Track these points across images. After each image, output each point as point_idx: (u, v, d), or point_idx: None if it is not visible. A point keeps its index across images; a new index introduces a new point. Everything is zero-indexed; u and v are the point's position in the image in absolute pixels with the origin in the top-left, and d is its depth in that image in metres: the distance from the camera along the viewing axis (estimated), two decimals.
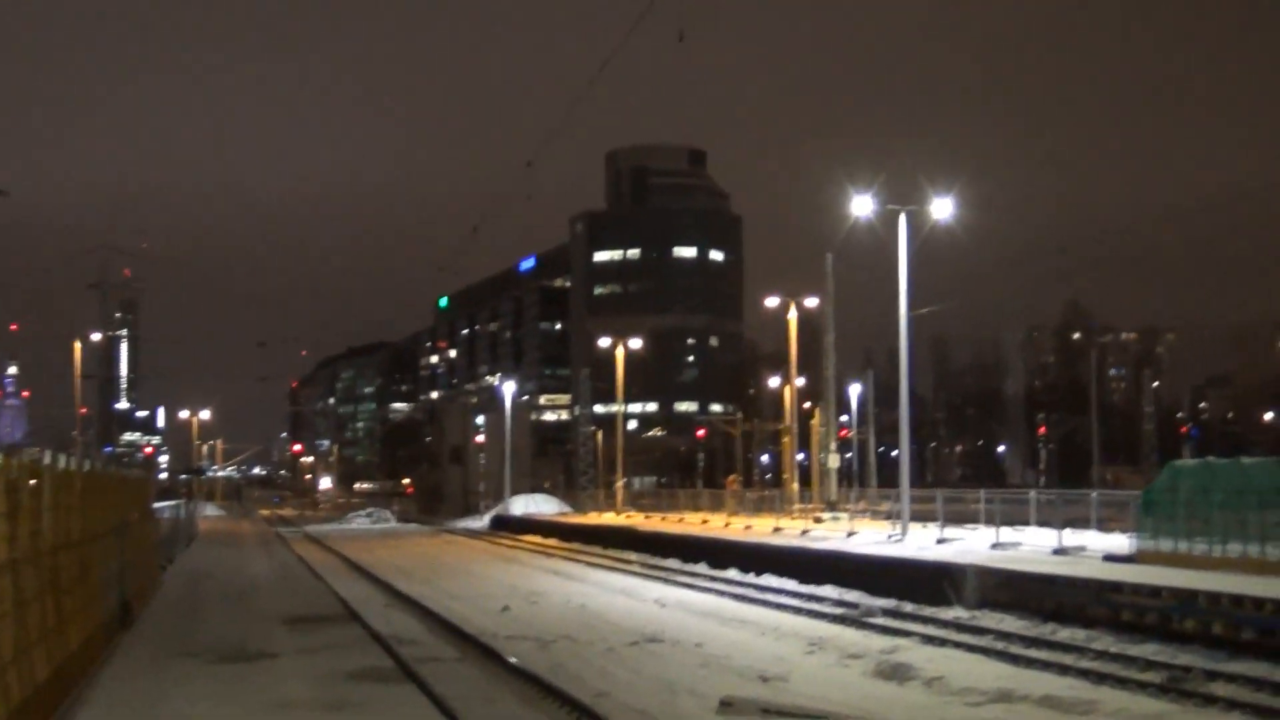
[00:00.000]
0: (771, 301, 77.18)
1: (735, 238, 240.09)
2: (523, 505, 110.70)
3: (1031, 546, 38.61)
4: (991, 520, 43.78)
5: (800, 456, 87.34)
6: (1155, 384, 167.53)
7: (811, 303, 75.20)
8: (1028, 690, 21.17)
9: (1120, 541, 36.21)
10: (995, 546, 39.54)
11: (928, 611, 32.68)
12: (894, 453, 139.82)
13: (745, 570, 45.97)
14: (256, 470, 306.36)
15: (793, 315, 76.31)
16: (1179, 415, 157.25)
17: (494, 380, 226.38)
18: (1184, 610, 26.00)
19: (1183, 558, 31.63)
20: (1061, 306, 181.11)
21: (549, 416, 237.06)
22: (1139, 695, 21.16)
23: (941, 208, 47.68)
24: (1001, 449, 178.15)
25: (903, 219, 47.80)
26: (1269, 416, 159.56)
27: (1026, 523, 43.70)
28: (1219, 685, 21.80)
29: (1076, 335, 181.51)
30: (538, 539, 79.62)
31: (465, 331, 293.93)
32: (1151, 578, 28.55)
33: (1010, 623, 30.12)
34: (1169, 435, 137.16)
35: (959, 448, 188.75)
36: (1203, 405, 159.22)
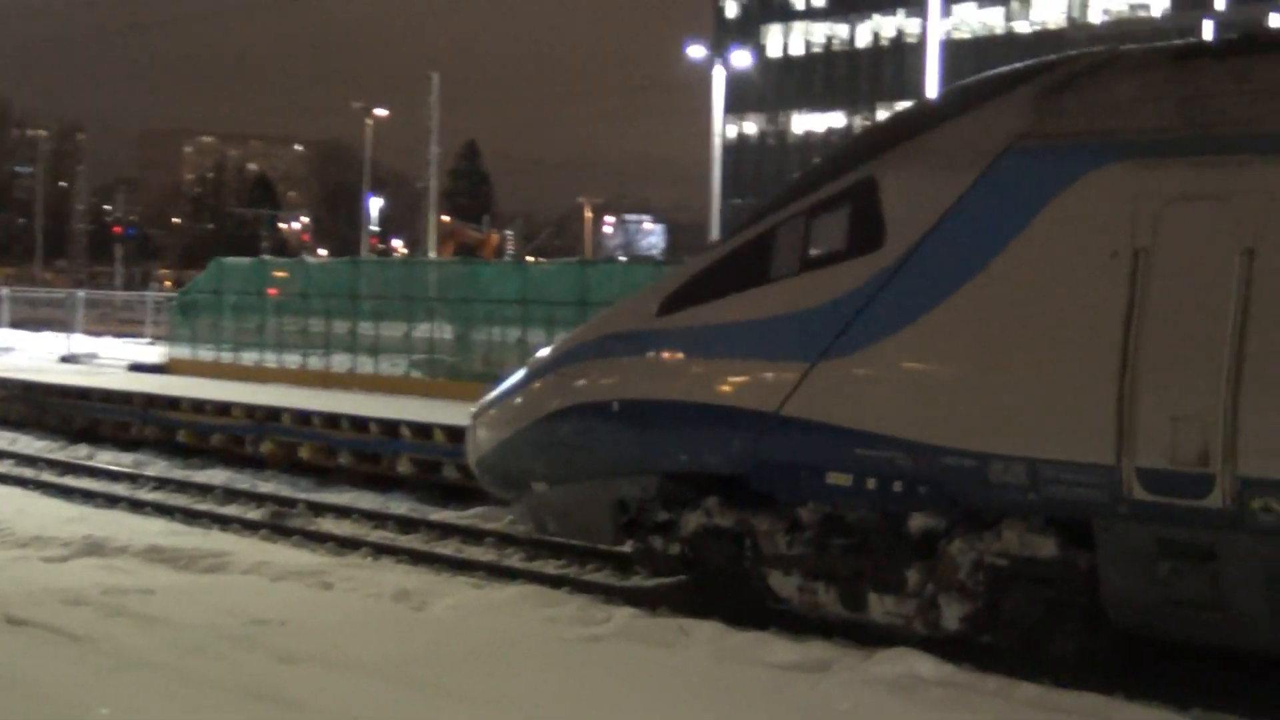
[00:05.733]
0: None
1: None
2: None
3: (27, 352, 33.42)
4: None
5: None
6: (63, 184, 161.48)
7: None
8: (120, 538, 16.55)
9: (144, 349, 32.11)
10: None
11: None
12: None
13: None
14: None
15: None
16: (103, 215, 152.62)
17: None
18: (263, 431, 22.54)
19: (230, 368, 28.15)
20: None
21: None
22: (254, 539, 17.45)
23: None
24: None
25: None
26: (177, 220, 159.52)
27: None
28: (331, 521, 18.66)
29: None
30: None
31: None
32: (207, 391, 24.86)
33: (29, 444, 25.22)
34: (97, 235, 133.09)
35: None
36: (107, 207, 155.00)
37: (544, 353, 14.76)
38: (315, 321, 27.41)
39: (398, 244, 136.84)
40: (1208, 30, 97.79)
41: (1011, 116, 11.06)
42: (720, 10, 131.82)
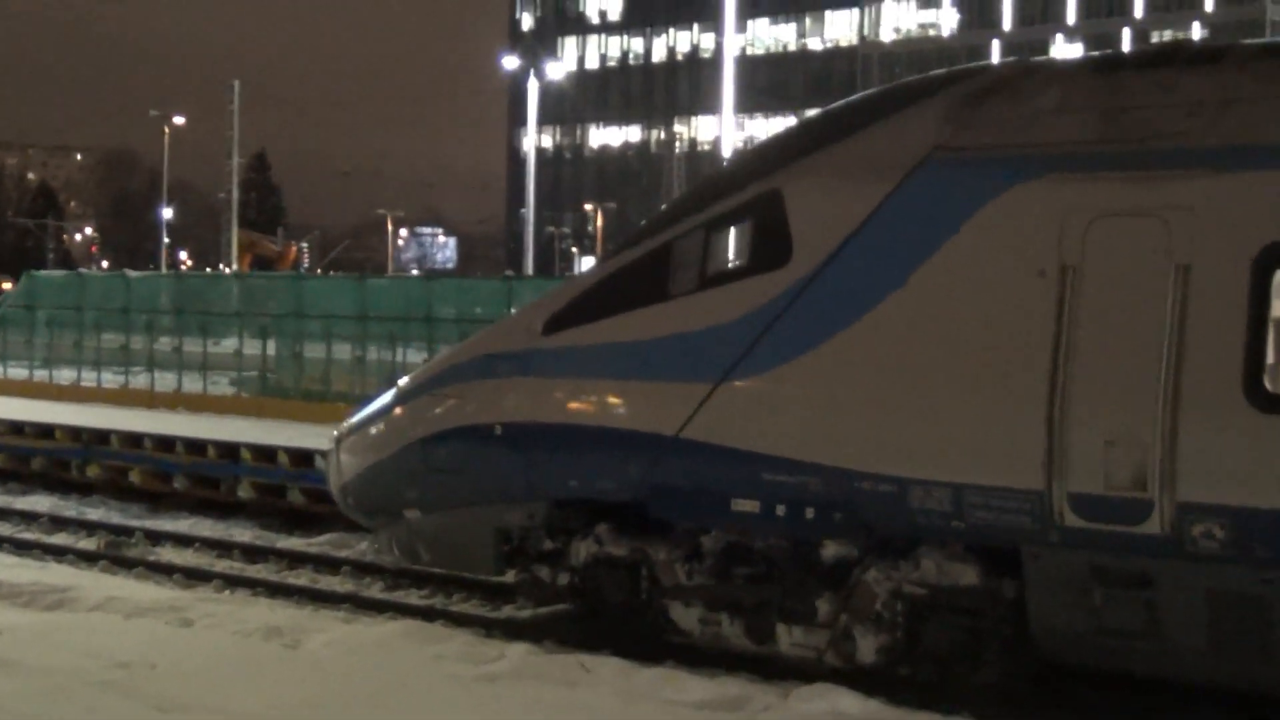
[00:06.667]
0: None
1: None
2: None
3: None
4: None
5: None
6: None
7: None
8: None
9: None
10: None
11: None
12: None
13: None
14: None
15: None
16: None
17: None
18: (90, 454, 21.36)
19: (46, 388, 26.78)
20: None
21: None
22: (94, 571, 16.45)
23: None
24: None
25: None
26: None
27: None
28: (173, 551, 17.75)
29: None
30: None
31: None
32: (24, 412, 23.66)
33: None
34: None
35: None
36: None
37: (412, 375, 14.03)
38: (137, 338, 26.15)
39: (183, 255, 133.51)
40: (995, 51, 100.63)
41: (926, 128, 10.68)
42: (516, 22, 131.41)
